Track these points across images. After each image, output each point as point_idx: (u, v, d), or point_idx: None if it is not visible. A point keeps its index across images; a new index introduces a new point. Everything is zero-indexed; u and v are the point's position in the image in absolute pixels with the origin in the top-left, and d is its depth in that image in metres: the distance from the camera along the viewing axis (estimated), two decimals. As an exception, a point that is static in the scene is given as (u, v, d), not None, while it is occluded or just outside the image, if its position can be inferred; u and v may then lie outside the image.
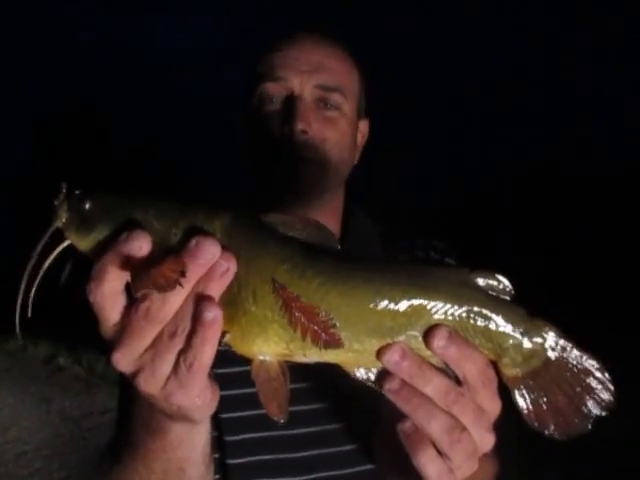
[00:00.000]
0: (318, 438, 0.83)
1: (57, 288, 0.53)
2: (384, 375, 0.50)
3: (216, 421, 0.79)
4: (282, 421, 0.50)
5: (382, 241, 0.98)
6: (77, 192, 0.53)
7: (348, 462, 0.83)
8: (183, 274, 0.45)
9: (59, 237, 0.52)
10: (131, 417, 0.62)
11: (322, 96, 0.88)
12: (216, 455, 0.79)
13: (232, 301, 0.49)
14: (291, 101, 0.86)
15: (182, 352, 0.48)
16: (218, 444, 0.81)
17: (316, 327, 0.48)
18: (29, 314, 0.52)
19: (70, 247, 0.52)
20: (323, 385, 0.82)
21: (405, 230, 1.02)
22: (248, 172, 0.95)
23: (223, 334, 0.49)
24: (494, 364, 0.51)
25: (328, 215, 0.94)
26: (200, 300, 0.47)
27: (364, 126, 1.00)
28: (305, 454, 0.82)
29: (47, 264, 0.51)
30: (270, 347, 0.50)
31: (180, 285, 0.45)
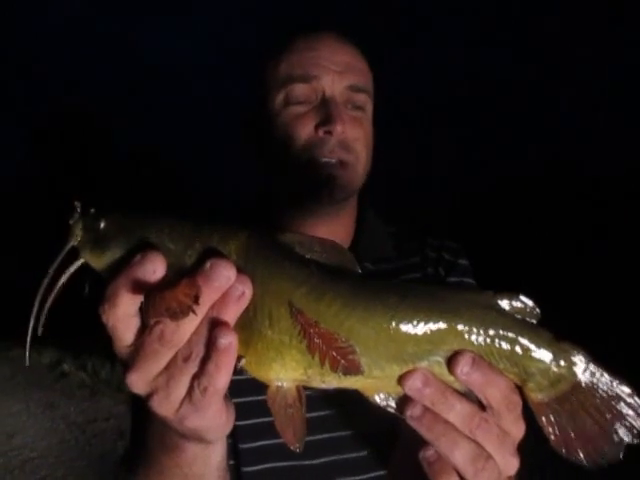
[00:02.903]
0: (334, 444, 0.81)
1: (80, 300, 0.52)
2: (405, 401, 0.48)
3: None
4: (298, 450, 0.48)
5: (393, 241, 0.96)
6: (92, 211, 0.52)
7: (365, 468, 0.81)
8: (197, 299, 0.44)
9: (74, 255, 0.51)
10: (146, 433, 0.61)
11: (351, 97, 0.87)
12: (231, 462, 0.79)
13: (247, 325, 0.48)
14: (326, 102, 0.85)
15: (196, 376, 0.47)
16: (233, 451, 0.80)
17: (335, 353, 0.46)
18: (39, 333, 0.50)
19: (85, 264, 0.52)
20: (337, 390, 0.81)
21: (417, 230, 1.00)
22: (260, 172, 0.94)
23: (239, 358, 0.48)
24: (519, 388, 0.49)
25: (343, 219, 0.93)
26: (215, 325, 0.46)
27: None
28: (321, 461, 0.81)
29: (61, 283, 0.50)
30: (287, 373, 0.48)
31: (194, 312, 0.43)
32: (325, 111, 0.84)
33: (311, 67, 0.85)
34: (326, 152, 0.84)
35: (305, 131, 0.85)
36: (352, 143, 0.86)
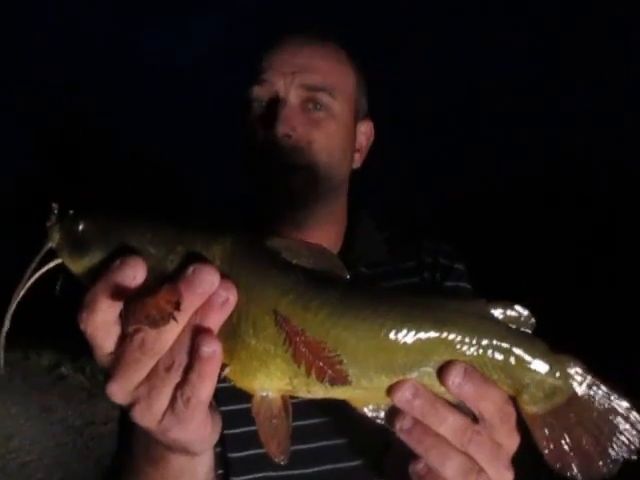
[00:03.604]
0: (327, 453, 0.80)
1: (54, 299, 0.51)
2: (395, 413, 0.46)
3: (220, 437, 0.78)
4: (283, 462, 0.47)
5: (388, 245, 0.95)
6: (70, 212, 0.50)
7: (358, 477, 0.79)
8: (178, 306, 0.42)
9: (52, 257, 0.50)
10: (131, 443, 0.60)
11: (308, 97, 0.84)
12: (220, 471, 0.77)
13: (231, 333, 0.46)
14: (273, 104, 0.83)
15: (179, 386, 0.45)
16: (222, 460, 0.78)
17: (321, 363, 0.45)
18: (5, 327, 0.48)
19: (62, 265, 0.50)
20: (327, 399, 0.79)
21: (411, 234, 0.98)
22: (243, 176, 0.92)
23: (222, 367, 0.46)
24: (513, 399, 0.47)
25: (328, 224, 0.91)
26: (197, 332, 0.44)
27: (367, 127, 0.95)
28: (314, 470, 0.79)
29: (32, 281, 0.48)
30: (272, 382, 0.47)
31: (174, 320, 0.42)
32: (271, 113, 0.83)
33: (265, 70, 0.85)
34: (275, 156, 0.82)
35: (258, 134, 0.84)
36: (306, 145, 0.83)
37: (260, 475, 0.78)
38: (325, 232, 0.90)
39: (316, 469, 0.79)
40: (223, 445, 0.78)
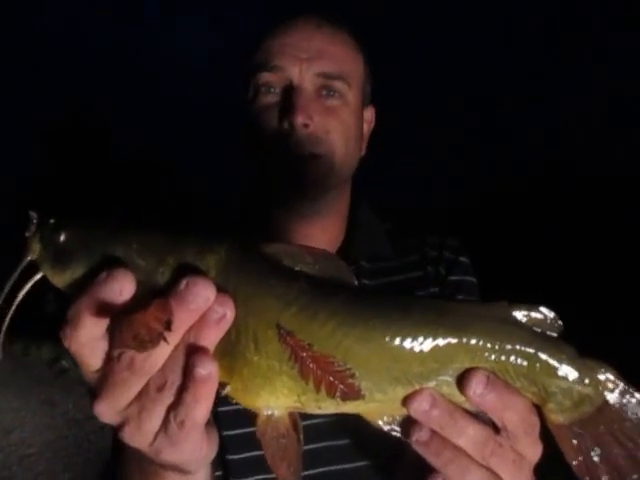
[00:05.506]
0: (329, 454, 0.77)
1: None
2: (411, 424, 0.43)
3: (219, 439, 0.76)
4: None
5: (390, 239, 0.92)
6: (51, 221, 0.46)
7: (363, 478, 0.77)
8: (169, 325, 0.38)
9: (34, 269, 0.46)
10: (125, 454, 0.57)
11: (324, 84, 0.81)
12: (218, 474, 0.75)
13: (230, 350, 0.42)
14: (290, 92, 0.80)
15: (172, 407, 0.41)
16: (221, 462, 0.76)
17: (331, 378, 0.41)
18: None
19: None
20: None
21: (415, 228, 0.96)
22: (247, 170, 0.89)
23: (223, 385, 0.43)
24: (537, 407, 0.44)
25: (333, 215, 0.88)
26: (192, 351, 0.40)
27: (370, 114, 0.93)
28: (317, 471, 0.77)
29: (19, 298, 0.45)
30: (278, 400, 0.43)
31: (165, 340, 0.38)
32: (287, 101, 0.79)
33: (276, 56, 0.81)
34: (292, 145, 0.79)
35: (271, 124, 0.80)
36: (323, 135, 0.80)
37: (261, 477, 0.76)
38: (329, 223, 0.88)
39: (320, 470, 0.77)
40: (222, 447, 0.75)
